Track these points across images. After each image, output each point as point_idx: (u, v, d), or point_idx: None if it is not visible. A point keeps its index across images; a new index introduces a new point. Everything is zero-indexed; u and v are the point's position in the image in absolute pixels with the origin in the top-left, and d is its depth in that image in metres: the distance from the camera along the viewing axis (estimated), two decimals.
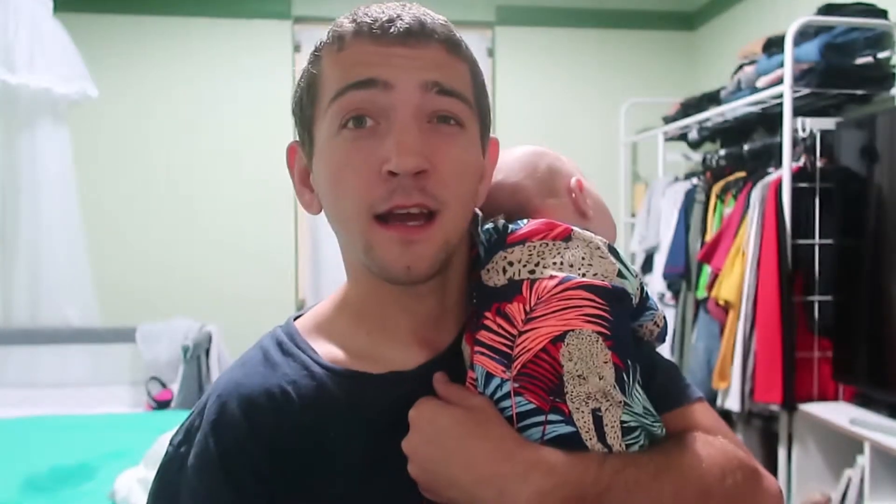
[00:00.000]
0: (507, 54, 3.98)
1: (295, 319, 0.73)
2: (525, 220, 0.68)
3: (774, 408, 2.47)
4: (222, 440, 0.63)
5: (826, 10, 2.54)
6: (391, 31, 0.61)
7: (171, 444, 0.66)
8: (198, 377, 2.81)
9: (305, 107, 0.67)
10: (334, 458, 0.63)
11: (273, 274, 3.77)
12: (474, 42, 3.92)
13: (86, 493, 1.86)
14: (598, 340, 0.62)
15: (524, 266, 0.65)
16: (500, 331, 0.63)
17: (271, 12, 3.77)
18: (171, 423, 1.86)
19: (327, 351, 0.68)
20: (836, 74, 2.47)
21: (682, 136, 3.51)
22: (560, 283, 0.63)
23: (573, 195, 0.75)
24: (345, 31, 0.63)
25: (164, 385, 2.91)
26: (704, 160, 3.23)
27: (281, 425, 0.64)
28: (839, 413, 2.30)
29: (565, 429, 0.61)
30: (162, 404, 2.83)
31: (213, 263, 3.74)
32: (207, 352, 2.90)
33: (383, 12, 0.63)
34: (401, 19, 0.62)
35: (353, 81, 0.61)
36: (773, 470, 2.52)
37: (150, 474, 1.72)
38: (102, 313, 3.15)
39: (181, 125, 3.75)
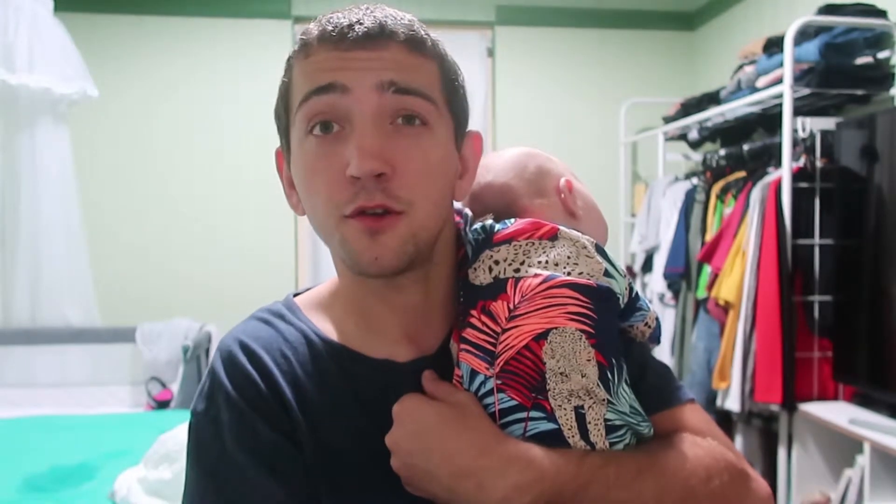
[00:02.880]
0: (507, 54, 3.98)
1: (294, 296, 0.75)
2: (512, 220, 0.69)
3: (774, 408, 2.47)
4: (242, 389, 0.64)
5: (826, 10, 2.54)
6: (349, 35, 0.62)
7: (194, 413, 0.67)
8: (198, 377, 2.82)
9: (280, 114, 0.68)
10: (325, 431, 0.64)
11: (273, 274, 3.77)
12: (474, 42, 3.92)
13: (86, 493, 1.86)
14: (581, 338, 0.62)
15: (509, 265, 0.66)
16: (485, 328, 0.64)
17: (271, 12, 3.77)
18: (171, 423, 1.89)
19: (325, 328, 0.70)
20: (836, 74, 2.47)
21: (682, 136, 3.51)
22: (544, 281, 0.64)
23: (562, 195, 0.75)
24: (310, 39, 0.64)
25: (164, 385, 2.92)
26: (704, 160, 3.23)
27: (281, 382, 0.65)
28: (839, 413, 2.30)
29: (547, 425, 0.62)
30: (162, 404, 2.84)
31: (213, 263, 3.75)
32: (207, 352, 2.91)
33: (345, 17, 0.63)
34: (360, 23, 0.62)
35: (313, 88, 0.63)
36: (773, 470, 2.52)
37: (150, 474, 1.74)
38: (102, 313, 3.16)
39: (181, 125, 3.75)
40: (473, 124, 0.76)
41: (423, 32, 0.65)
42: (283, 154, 0.71)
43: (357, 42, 0.62)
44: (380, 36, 0.62)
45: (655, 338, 0.73)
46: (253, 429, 0.63)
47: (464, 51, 3.82)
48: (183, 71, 3.75)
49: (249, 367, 0.65)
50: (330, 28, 0.63)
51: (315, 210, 0.65)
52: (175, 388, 2.84)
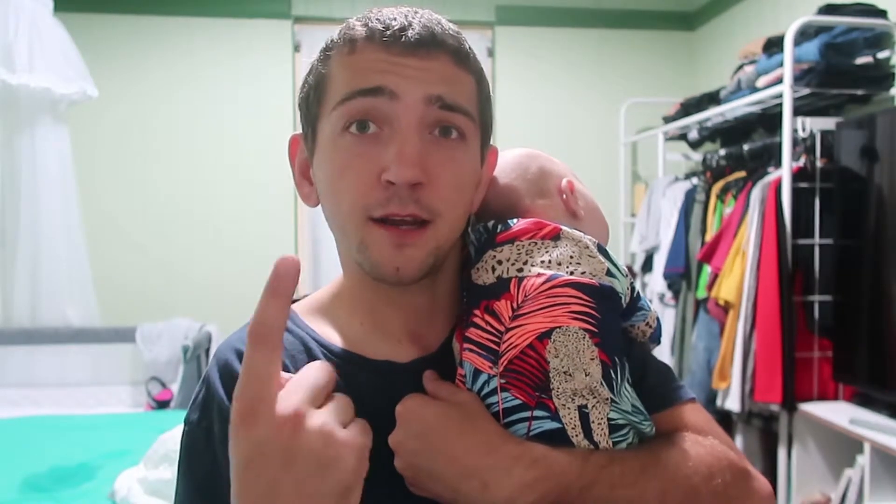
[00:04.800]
0: (507, 54, 3.98)
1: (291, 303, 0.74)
2: (515, 220, 0.69)
3: (774, 408, 2.47)
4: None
5: (826, 10, 2.54)
6: (402, 39, 0.62)
7: (187, 422, 0.66)
8: (198, 377, 2.81)
9: (312, 104, 0.67)
10: None
11: None
12: (474, 42, 3.89)
13: (86, 493, 1.87)
14: (584, 337, 0.62)
15: (513, 264, 0.66)
16: (489, 328, 0.64)
17: (271, 12, 3.78)
18: (171, 423, 1.89)
19: (325, 332, 0.70)
20: (836, 74, 2.47)
21: (682, 136, 3.51)
22: (547, 280, 0.63)
23: (564, 196, 0.75)
24: (356, 35, 0.64)
25: (164, 385, 2.92)
26: (704, 160, 3.23)
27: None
28: (839, 413, 2.30)
29: (551, 425, 0.62)
30: (162, 404, 2.84)
31: (213, 263, 3.75)
32: (207, 352, 2.91)
33: (395, 19, 0.63)
34: (412, 28, 0.62)
35: (360, 88, 0.62)
36: (773, 470, 2.52)
37: (150, 474, 1.75)
38: (102, 313, 3.16)
39: (181, 125, 3.75)
40: None
41: (467, 45, 0.66)
42: (305, 144, 0.70)
43: (408, 48, 0.62)
44: (430, 44, 0.63)
45: (656, 338, 0.73)
46: None
47: None
48: (183, 71, 3.75)
49: None
50: (380, 28, 0.63)
51: (338, 207, 0.65)
52: (175, 388, 2.85)
